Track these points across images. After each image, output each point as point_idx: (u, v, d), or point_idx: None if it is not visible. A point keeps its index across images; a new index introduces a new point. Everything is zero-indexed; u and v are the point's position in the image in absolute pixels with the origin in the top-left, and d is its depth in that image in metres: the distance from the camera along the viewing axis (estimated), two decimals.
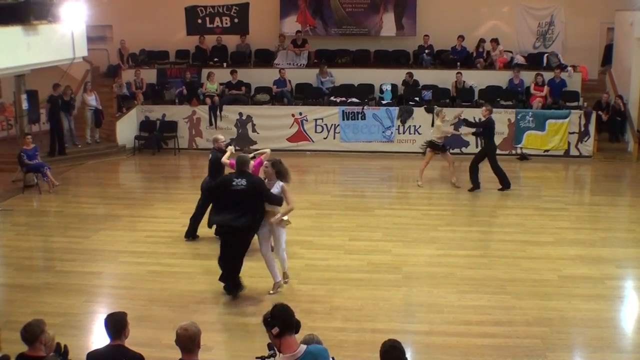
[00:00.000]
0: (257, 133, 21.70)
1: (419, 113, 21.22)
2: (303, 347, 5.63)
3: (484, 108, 17.59)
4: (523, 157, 20.89)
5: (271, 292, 10.82)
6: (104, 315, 6.51)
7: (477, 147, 20.51)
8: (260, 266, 11.99)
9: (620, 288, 11.39)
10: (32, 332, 6.25)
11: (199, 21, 22.65)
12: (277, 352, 5.67)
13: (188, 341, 5.84)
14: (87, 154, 21.13)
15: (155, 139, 22.10)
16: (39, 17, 15.89)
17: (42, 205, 16.57)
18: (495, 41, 23.09)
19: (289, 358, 5.53)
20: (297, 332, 5.70)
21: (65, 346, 6.44)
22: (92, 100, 21.26)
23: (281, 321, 5.55)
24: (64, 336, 7.34)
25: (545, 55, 23.23)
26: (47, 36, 16.29)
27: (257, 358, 5.81)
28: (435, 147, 17.29)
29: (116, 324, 6.34)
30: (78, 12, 16.96)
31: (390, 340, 5.59)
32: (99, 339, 8.60)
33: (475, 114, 20.67)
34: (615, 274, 11.82)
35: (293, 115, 21.86)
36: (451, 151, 18.15)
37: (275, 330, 5.52)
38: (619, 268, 12.09)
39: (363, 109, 21.58)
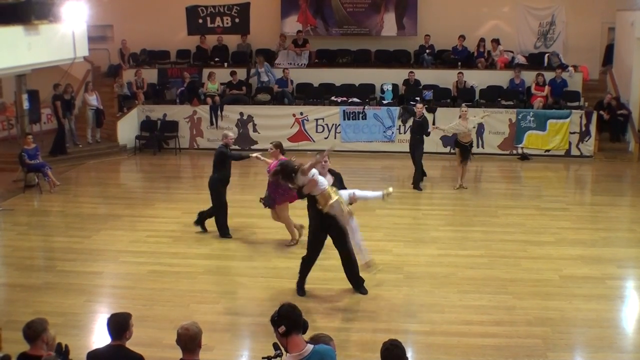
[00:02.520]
0: (258, 133, 21.71)
1: None
2: (310, 346, 5.62)
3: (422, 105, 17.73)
4: (524, 157, 20.88)
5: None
6: (105, 315, 6.53)
7: (478, 146, 20.54)
8: (263, 266, 12.03)
9: (621, 288, 11.38)
10: (35, 330, 6.27)
11: (200, 21, 22.65)
12: (284, 352, 5.65)
13: (189, 341, 5.85)
14: (88, 154, 21.14)
15: (156, 138, 22.12)
16: (40, 17, 15.90)
17: (43, 205, 16.57)
18: (495, 41, 23.09)
19: (296, 357, 5.52)
20: (304, 332, 5.70)
21: (66, 346, 6.44)
22: (93, 100, 21.28)
23: (288, 320, 5.55)
24: (65, 336, 7.34)
25: (546, 55, 23.24)
26: (48, 36, 16.31)
27: (263, 358, 5.80)
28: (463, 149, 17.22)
29: (117, 326, 6.34)
30: (79, 12, 16.97)
31: (391, 340, 5.60)
32: (99, 338, 8.59)
33: (476, 113, 20.74)
34: (616, 274, 11.81)
35: (294, 115, 21.87)
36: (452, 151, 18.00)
37: (282, 329, 5.52)
38: (620, 268, 12.09)
39: (364, 108, 21.57)
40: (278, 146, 12.97)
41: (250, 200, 14.06)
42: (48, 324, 6.39)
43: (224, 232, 13.58)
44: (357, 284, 10.84)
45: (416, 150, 17.42)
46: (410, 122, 18.18)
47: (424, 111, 17.61)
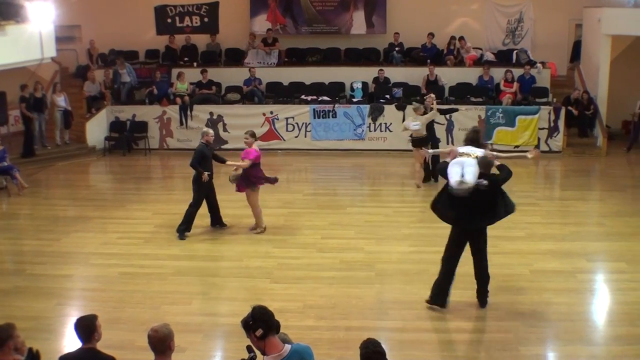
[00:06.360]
0: (228, 132, 21.63)
1: (390, 111, 21.30)
2: (288, 346, 5.64)
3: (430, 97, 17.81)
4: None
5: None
6: (76, 318, 6.46)
7: (447, 143, 20.66)
8: (235, 266, 12.01)
9: (591, 281, 11.49)
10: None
11: (169, 20, 22.58)
12: (262, 354, 5.61)
13: (158, 343, 5.81)
14: (57, 156, 20.94)
15: (126, 139, 21.97)
16: (7, 17, 15.78)
17: (11, 208, 16.39)
18: (462, 39, 23.19)
19: (276, 358, 5.53)
20: (278, 332, 5.70)
21: (37, 351, 6.38)
22: (61, 101, 21.08)
23: (263, 322, 5.54)
24: (35, 340, 7.30)
25: (515, 51, 23.41)
26: (15, 36, 16.18)
27: None
28: (421, 142, 17.13)
29: (85, 328, 6.30)
30: (46, 12, 16.86)
31: (373, 344, 5.63)
32: (71, 342, 8.51)
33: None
34: (586, 267, 11.94)
35: (264, 115, 21.82)
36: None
37: (259, 332, 5.50)
38: (590, 262, 12.21)
39: (334, 107, 21.59)
40: (253, 135, 13.68)
41: (221, 199, 14.00)
42: (15, 330, 6.31)
43: (182, 228, 13.57)
44: (483, 298, 10.44)
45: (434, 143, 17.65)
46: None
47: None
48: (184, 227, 13.52)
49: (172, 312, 10.11)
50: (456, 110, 19.14)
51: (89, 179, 19.94)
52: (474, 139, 10.47)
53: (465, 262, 11.57)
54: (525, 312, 10.03)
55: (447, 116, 19.99)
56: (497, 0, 24.11)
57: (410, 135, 17.43)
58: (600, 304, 10.73)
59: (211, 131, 13.94)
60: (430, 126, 17.45)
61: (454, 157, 9.90)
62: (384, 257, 12.39)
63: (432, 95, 17.81)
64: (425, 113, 17.22)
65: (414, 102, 18.13)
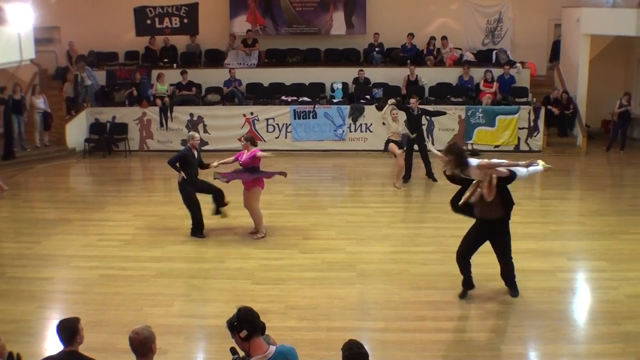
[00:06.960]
0: (209, 134, 21.59)
1: (370, 111, 21.32)
2: (273, 347, 5.63)
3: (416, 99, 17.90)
4: (474, 153, 21.02)
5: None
6: (57, 321, 6.43)
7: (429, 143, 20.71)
8: (215, 267, 11.98)
9: (571, 280, 11.55)
10: None
11: (148, 22, 22.47)
12: (247, 356, 5.61)
13: (139, 345, 5.80)
14: (37, 158, 20.81)
15: (106, 141, 21.87)
16: None
17: None
18: (444, 39, 23.27)
19: (261, 359, 5.53)
20: (263, 333, 5.70)
21: (18, 354, 6.34)
22: (40, 103, 20.96)
23: (248, 324, 5.54)
24: (16, 343, 7.25)
25: (494, 52, 23.51)
26: None
27: None
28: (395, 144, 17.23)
29: (67, 331, 6.26)
30: (25, 13, 16.73)
31: (357, 346, 5.61)
32: (52, 345, 8.47)
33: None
34: (566, 266, 11.99)
35: (244, 115, 21.80)
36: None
37: (244, 333, 5.50)
38: (570, 260, 12.27)
39: (314, 107, 21.60)
40: (249, 139, 13.44)
41: (201, 201, 13.95)
42: None
43: (196, 230, 13.59)
44: (513, 286, 10.68)
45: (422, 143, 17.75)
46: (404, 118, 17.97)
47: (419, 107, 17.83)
48: (196, 230, 13.58)
49: (154, 314, 10.06)
50: (444, 113, 19.24)
51: (69, 181, 19.83)
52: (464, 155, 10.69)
53: (447, 261, 11.63)
54: (507, 311, 10.06)
55: (428, 117, 20.02)
56: (476, 1, 24.20)
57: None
58: (581, 303, 10.78)
59: (197, 135, 13.82)
60: (417, 127, 17.55)
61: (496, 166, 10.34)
62: (365, 257, 12.40)
63: (413, 100, 17.85)
64: (412, 113, 17.46)
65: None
